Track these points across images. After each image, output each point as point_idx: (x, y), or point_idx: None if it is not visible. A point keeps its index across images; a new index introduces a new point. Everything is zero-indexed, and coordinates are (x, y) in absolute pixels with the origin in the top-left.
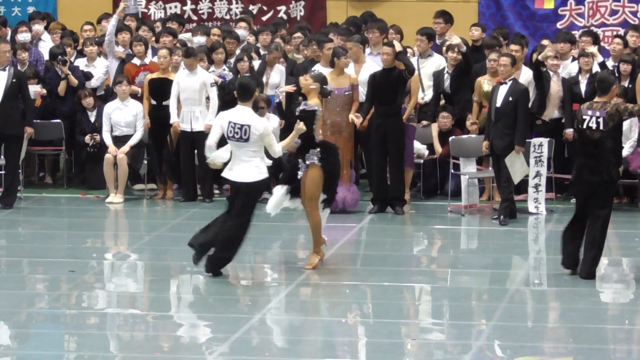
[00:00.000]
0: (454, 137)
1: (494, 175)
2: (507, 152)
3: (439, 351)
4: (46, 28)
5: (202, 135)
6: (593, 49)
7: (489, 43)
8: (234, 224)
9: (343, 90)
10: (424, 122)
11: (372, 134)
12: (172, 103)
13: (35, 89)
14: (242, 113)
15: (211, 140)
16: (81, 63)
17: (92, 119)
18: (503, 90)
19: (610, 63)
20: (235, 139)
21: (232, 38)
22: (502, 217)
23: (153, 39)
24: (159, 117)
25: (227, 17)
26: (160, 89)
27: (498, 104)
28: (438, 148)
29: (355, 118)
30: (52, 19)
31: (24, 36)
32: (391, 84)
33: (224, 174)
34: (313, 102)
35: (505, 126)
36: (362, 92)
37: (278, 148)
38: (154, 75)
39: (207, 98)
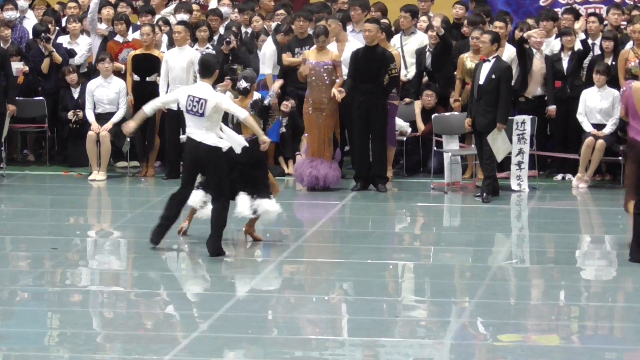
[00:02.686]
0: (436, 114)
1: (477, 153)
2: (489, 130)
3: (422, 328)
4: (30, 5)
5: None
6: (576, 25)
7: (472, 20)
8: (218, 207)
9: (322, 63)
10: (407, 100)
11: (355, 112)
12: (161, 82)
13: (17, 67)
14: (201, 88)
15: (159, 100)
16: (64, 40)
17: (76, 96)
18: (486, 68)
19: (589, 41)
20: (192, 113)
21: (215, 15)
22: (484, 194)
23: (134, 15)
24: (142, 93)
25: None
26: (144, 64)
27: (481, 82)
28: (421, 125)
29: (337, 92)
30: None
31: (9, 14)
32: (374, 61)
33: (186, 137)
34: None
35: (488, 104)
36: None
37: (243, 113)
38: (138, 52)
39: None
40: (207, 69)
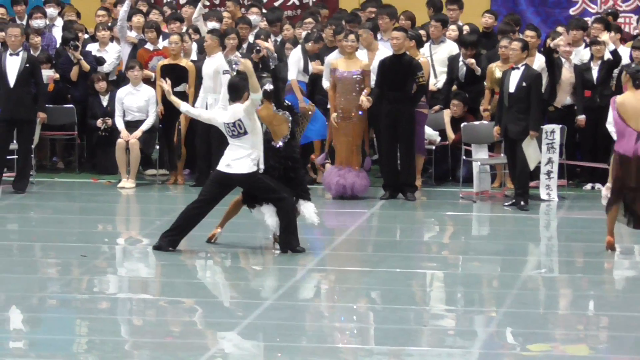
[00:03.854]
0: (465, 123)
1: (507, 161)
2: (522, 137)
3: (449, 338)
4: (60, 13)
5: None
6: (605, 36)
7: (502, 29)
8: (284, 207)
9: (352, 73)
10: (436, 107)
11: (382, 120)
12: (201, 91)
13: (48, 74)
14: (230, 111)
15: (195, 111)
16: (93, 48)
17: (105, 103)
18: (516, 76)
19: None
20: (237, 136)
21: (244, 24)
22: (522, 203)
23: (164, 23)
24: (169, 102)
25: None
26: (172, 74)
27: (511, 90)
28: (450, 134)
29: (365, 100)
30: (65, 4)
31: (37, 22)
32: (401, 69)
33: (224, 169)
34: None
35: (519, 111)
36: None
37: (254, 94)
38: (166, 62)
39: None
40: (235, 92)
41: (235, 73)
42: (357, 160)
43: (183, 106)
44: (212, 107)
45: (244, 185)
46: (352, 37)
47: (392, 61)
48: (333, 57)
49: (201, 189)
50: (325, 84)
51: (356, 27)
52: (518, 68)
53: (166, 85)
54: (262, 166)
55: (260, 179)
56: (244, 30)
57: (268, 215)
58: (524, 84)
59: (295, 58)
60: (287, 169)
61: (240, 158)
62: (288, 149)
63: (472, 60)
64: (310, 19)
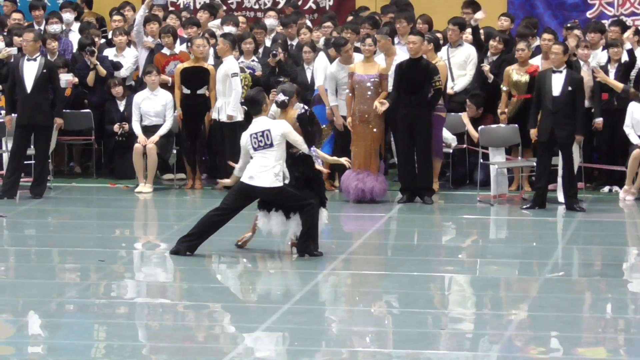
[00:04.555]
0: (483, 126)
1: (537, 164)
2: (569, 142)
3: (468, 341)
4: (77, 18)
5: (224, 125)
6: (627, 33)
7: (522, 32)
8: (308, 212)
9: (369, 77)
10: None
11: (399, 124)
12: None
13: (67, 78)
14: (258, 122)
15: (241, 162)
16: (110, 53)
17: (121, 108)
18: (558, 79)
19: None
20: (261, 148)
21: (260, 28)
22: (577, 206)
23: (181, 28)
24: (192, 106)
25: (257, 6)
26: (194, 77)
27: (556, 93)
28: (473, 132)
29: (379, 104)
30: (82, 9)
31: (54, 27)
32: (418, 73)
33: (246, 181)
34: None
35: (566, 116)
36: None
37: (306, 148)
38: (186, 65)
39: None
40: (254, 104)
41: (241, 76)
42: (375, 165)
43: (236, 171)
44: (222, 110)
45: (267, 197)
46: (369, 41)
47: (409, 65)
48: (333, 69)
49: (224, 198)
50: (331, 98)
51: (373, 31)
52: (560, 72)
53: (224, 182)
54: (287, 181)
55: (283, 189)
56: (259, 35)
57: (274, 223)
58: (569, 88)
59: (323, 64)
60: (308, 178)
61: (263, 171)
62: (308, 156)
63: (487, 67)
64: (329, 23)
